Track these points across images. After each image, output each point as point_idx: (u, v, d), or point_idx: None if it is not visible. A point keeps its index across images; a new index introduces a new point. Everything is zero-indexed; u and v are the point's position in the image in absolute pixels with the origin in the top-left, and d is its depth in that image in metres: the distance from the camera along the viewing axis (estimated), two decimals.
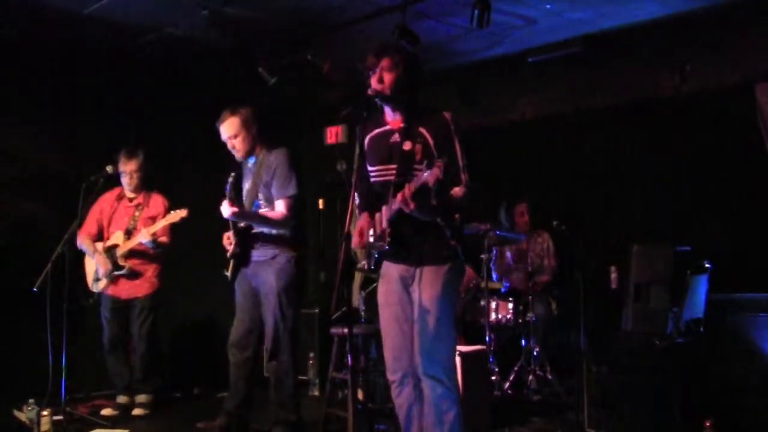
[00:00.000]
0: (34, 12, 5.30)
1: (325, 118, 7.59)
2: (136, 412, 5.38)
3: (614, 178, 6.17)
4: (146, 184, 5.54)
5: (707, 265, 4.94)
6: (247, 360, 4.48)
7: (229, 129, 4.41)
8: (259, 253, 4.45)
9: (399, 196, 3.17)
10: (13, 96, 5.85)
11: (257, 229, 4.46)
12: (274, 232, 4.41)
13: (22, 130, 6.02)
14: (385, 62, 3.38)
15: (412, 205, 3.13)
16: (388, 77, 3.38)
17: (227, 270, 4.54)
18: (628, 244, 5.03)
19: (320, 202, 7.38)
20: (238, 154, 4.47)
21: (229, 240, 4.47)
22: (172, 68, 6.34)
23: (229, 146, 4.46)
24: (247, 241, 4.46)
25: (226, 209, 4.26)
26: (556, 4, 5.41)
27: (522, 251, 6.20)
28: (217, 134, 4.49)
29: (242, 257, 4.49)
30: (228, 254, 4.50)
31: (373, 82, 3.40)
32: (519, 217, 6.30)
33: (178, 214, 5.00)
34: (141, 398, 5.45)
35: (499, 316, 5.68)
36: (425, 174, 3.03)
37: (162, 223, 5.17)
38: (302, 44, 6.07)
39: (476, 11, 5.03)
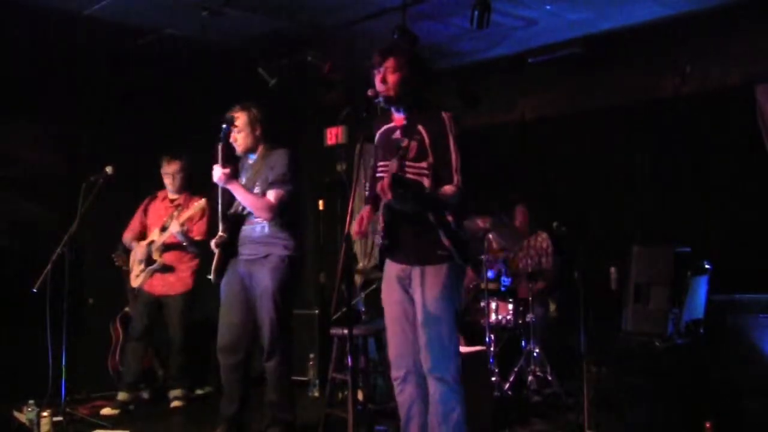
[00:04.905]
0: (34, 12, 5.30)
1: (325, 118, 7.59)
2: (175, 404, 5.63)
3: (614, 178, 6.16)
4: (189, 186, 5.68)
5: (707, 266, 4.94)
6: (240, 363, 4.41)
7: (235, 122, 4.43)
8: (250, 252, 4.38)
9: (378, 185, 3.22)
10: (13, 96, 5.84)
11: (249, 225, 4.39)
12: (257, 221, 4.36)
13: (22, 130, 6.02)
14: (389, 63, 3.41)
15: (387, 195, 3.17)
16: (392, 78, 3.41)
17: (212, 273, 4.47)
18: (628, 244, 5.03)
19: (320, 202, 7.38)
20: (238, 148, 4.47)
21: (218, 240, 4.41)
22: (172, 68, 6.34)
23: (231, 138, 4.47)
24: (235, 231, 4.40)
25: (217, 171, 4.24)
26: (556, 5, 5.42)
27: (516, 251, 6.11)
28: (219, 134, 4.48)
29: (229, 248, 4.41)
30: (213, 242, 4.42)
31: (377, 83, 3.43)
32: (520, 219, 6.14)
33: (198, 205, 5.19)
34: (176, 392, 5.68)
35: (499, 317, 5.67)
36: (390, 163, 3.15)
37: (187, 214, 5.30)
38: (302, 44, 6.07)
39: (476, 12, 5.03)
